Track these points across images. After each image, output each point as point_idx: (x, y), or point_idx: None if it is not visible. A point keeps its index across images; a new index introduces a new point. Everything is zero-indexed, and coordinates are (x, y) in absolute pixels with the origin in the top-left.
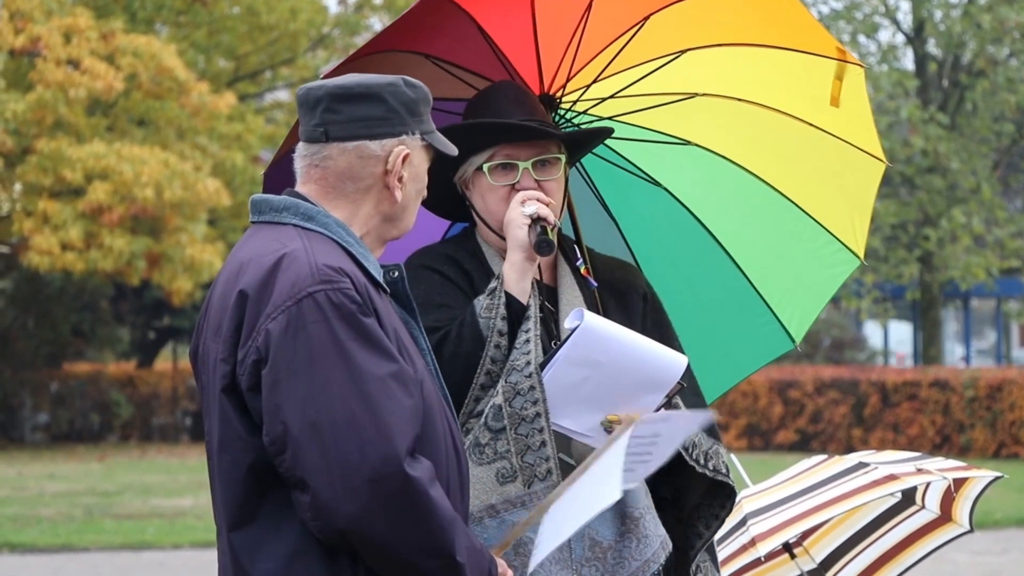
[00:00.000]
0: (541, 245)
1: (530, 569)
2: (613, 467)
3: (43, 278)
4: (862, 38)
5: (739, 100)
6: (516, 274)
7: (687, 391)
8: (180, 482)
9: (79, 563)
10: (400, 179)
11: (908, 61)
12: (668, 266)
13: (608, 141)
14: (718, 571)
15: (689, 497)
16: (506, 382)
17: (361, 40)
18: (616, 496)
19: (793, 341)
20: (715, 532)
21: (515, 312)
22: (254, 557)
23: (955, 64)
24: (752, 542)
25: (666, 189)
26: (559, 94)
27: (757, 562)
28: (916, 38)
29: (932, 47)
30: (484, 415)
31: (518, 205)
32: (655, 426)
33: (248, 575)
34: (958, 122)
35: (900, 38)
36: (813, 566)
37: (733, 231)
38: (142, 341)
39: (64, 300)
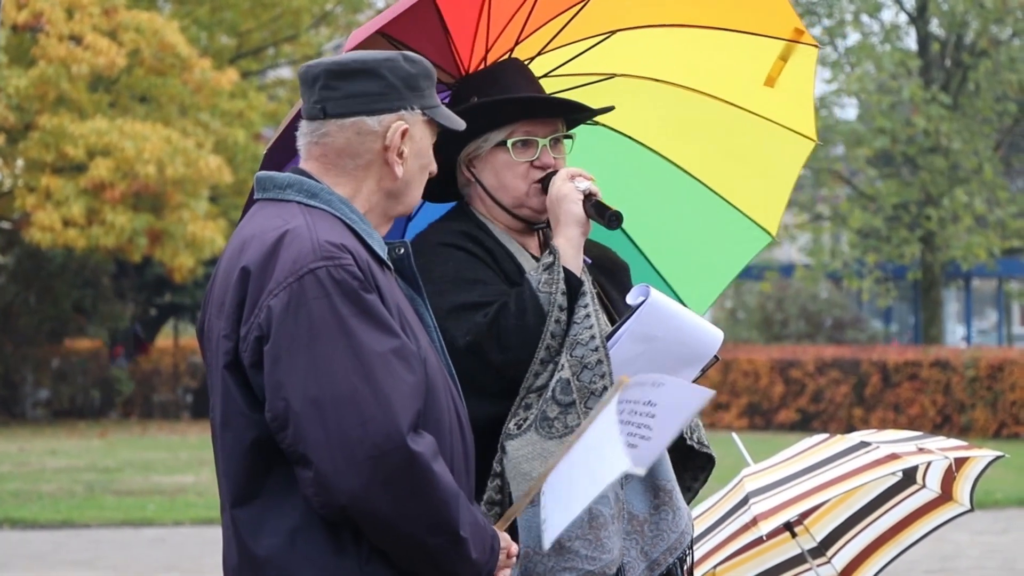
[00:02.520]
0: (612, 219)
1: (545, 547)
2: (610, 434)
3: (45, 254)
4: (865, 17)
5: (656, 80)
6: (573, 249)
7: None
8: (181, 459)
9: (80, 539)
10: (400, 154)
11: (911, 41)
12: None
13: None
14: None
15: None
16: (571, 356)
17: (364, 17)
18: (625, 467)
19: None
20: (687, 504)
21: (572, 287)
22: (257, 533)
23: (958, 44)
24: (754, 521)
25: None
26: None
27: (759, 541)
28: (919, 18)
29: (935, 27)
30: (551, 389)
31: (567, 181)
32: (647, 391)
33: (251, 551)
34: (960, 102)
35: (903, 18)
36: (814, 544)
37: (631, 211)
38: (143, 318)
39: (66, 276)
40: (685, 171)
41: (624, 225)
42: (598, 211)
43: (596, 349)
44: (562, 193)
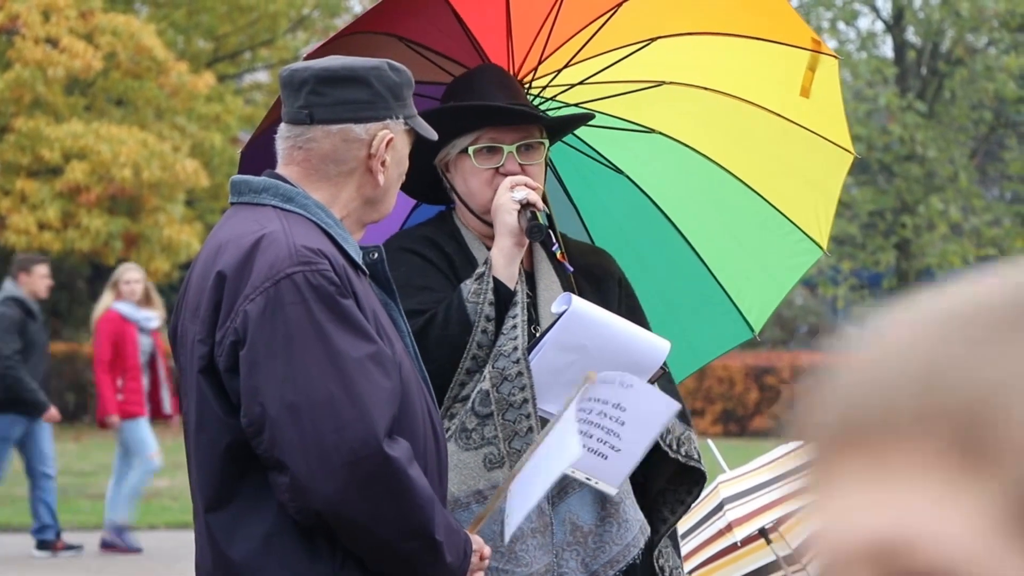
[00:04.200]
0: (532, 231)
1: (506, 539)
2: (570, 426)
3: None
4: (841, 25)
5: (706, 89)
6: (504, 259)
7: (663, 377)
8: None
9: None
10: (383, 163)
11: (887, 49)
12: (628, 254)
13: None
14: (679, 556)
15: (655, 482)
16: (493, 367)
17: (341, 22)
18: (577, 452)
19: (752, 330)
20: (680, 517)
21: (502, 297)
22: (231, 538)
23: (934, 52)
24: (729, 527)
25: (628, 177)
26: (529, 79)
27: (733, 547)
28: (895, 26)
29: (911, 35)
30: (471, 400)
31: (507, 191)
32: (616, 391)
33: (225, 556)
34: (936, 110)
35: (879, 25)
36: (789, 552)
37: (694, 220)
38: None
39: None
40: (741, 180)
41: (686, 233)
42: (528, 222)
43: (517, 361)
44: (499, 202)
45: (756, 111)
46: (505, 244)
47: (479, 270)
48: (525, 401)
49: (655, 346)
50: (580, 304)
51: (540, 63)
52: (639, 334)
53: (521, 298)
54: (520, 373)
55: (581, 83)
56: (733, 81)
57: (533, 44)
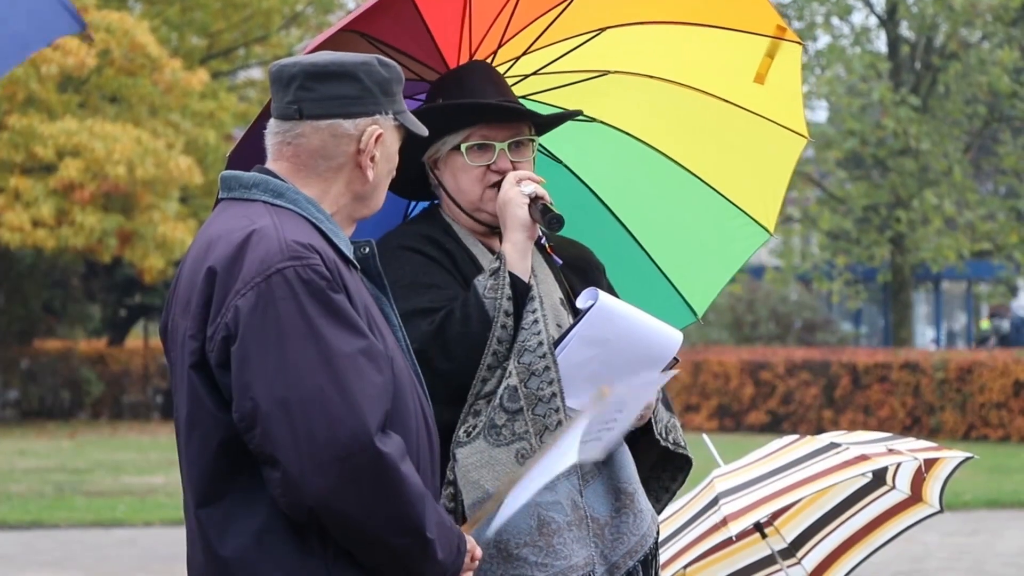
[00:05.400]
0: (553, 221)
1: (489, 534)
2: (575, 436)
3: (14, 255)
4: (835, 20)
5: (651, 77)
6: (518, 254)
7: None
8: (151, 460)
9: (49, 539)
10: (372, 159)
11: (881, 43)
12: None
13: None
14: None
15: (639, 470)
16: (519, 363)
17: (335, 18)
18: (573, 459)
19: (695, 314)
20: (666, 505)
21: (519, 292)
22: (223, 534)
23: (927, 46)
24: (723, 521)
25: (565, 165)
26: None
27: (728, 541)
28: (889, 20)
29: (905, 29)
30: (499, 396)
31: (514, 185)
32: (622, 394)
33: (217, 552)
34: (930, 104)
35: (873, 20)
36: (784, 546)
37: (633, 208)
38: (113, 319)
39: (35, 277)
40: (684, 167)
41: (626, 221)
42: (542, 214)
43: (544, 356)
44: (508, 197)
45: (702, 97)
46: (518, 238)
47: (493, 265)
48: (554, 395)
49: (670, 337)
50: (606, 299)
51: (494, 54)
52: (656, 326)
53: (538, 292)
54: (547, 368)
55: (535, 73)
56: (681, 69)
57: (487, 35)
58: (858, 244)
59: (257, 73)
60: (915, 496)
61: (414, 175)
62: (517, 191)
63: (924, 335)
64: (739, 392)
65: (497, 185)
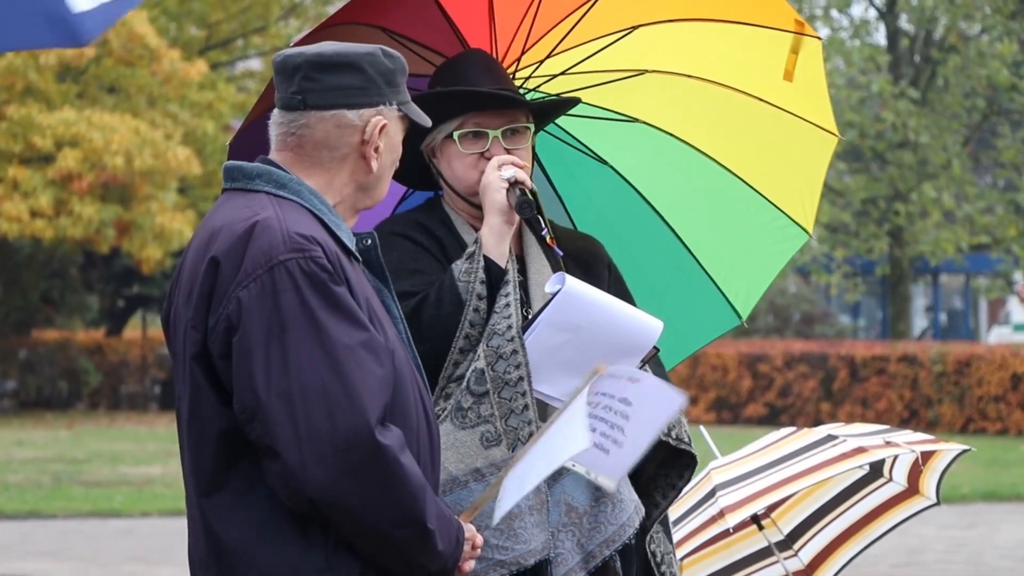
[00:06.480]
0: (522, 206)
1: (494, 521)
2: (577, 417)
3: (12, 245)
4: (835, 12)
5: (688, 76)
6: (494, 238)
7: (654, 360)
8: (148, 450)
9: (47, 530)
10: (376, 149)
11: (880, 36)
12: (613, 243)
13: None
14: (671, 541)
15: (647, 467)
16: (487, 346)
17: (333, 9)
18: (584, 444)
19: (739, 317)
20: (672, 502)
21: (494, 276)
22: (225, 524)
23: (927, 39)
24: (721, 513)
25: (611, 167)
26: (513, 70)
27: (725, 533)
28: (888, 13)
29: (904, 22)
30: (466, 379)
31: (495, 169)
32: (623, 385)
33: (219, 542)
34: (929, 97)
35: (872, 13)
36: (781, 538)
37: (678, 208)
38: (111, 309)
39: (33, 267)
40: (726, 167)
41: (672, 223)
42: (515, 197)
43: (512, 339)
44: (487, 181)
45: (739, 96)
46: (494, 222)
47: (469, 249)
48: (520, 379)
49: (648, 326)
50: (574, 284)
51: (523, 53)
52: (632, 314)
53: (512, 276)
54: (515, 351)
55: (563, 73)
56: (715, 67)
57: (516, 34)
58: (857, 237)
59: (256, 64)
60: (912, 489)
61: (419, 165)
62: (497, 175)
63: (917, 328)
64: (737, 384)
65: None
